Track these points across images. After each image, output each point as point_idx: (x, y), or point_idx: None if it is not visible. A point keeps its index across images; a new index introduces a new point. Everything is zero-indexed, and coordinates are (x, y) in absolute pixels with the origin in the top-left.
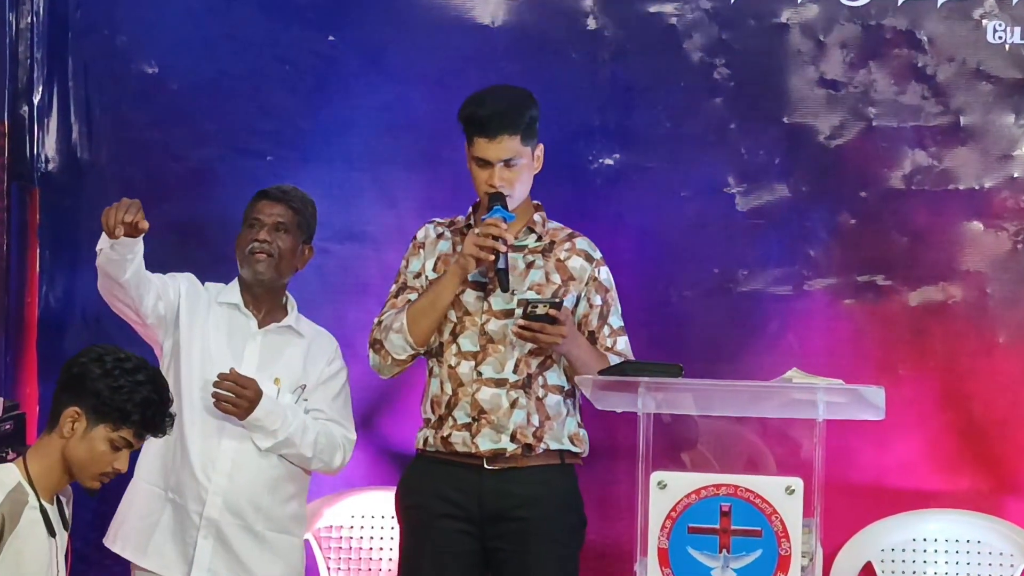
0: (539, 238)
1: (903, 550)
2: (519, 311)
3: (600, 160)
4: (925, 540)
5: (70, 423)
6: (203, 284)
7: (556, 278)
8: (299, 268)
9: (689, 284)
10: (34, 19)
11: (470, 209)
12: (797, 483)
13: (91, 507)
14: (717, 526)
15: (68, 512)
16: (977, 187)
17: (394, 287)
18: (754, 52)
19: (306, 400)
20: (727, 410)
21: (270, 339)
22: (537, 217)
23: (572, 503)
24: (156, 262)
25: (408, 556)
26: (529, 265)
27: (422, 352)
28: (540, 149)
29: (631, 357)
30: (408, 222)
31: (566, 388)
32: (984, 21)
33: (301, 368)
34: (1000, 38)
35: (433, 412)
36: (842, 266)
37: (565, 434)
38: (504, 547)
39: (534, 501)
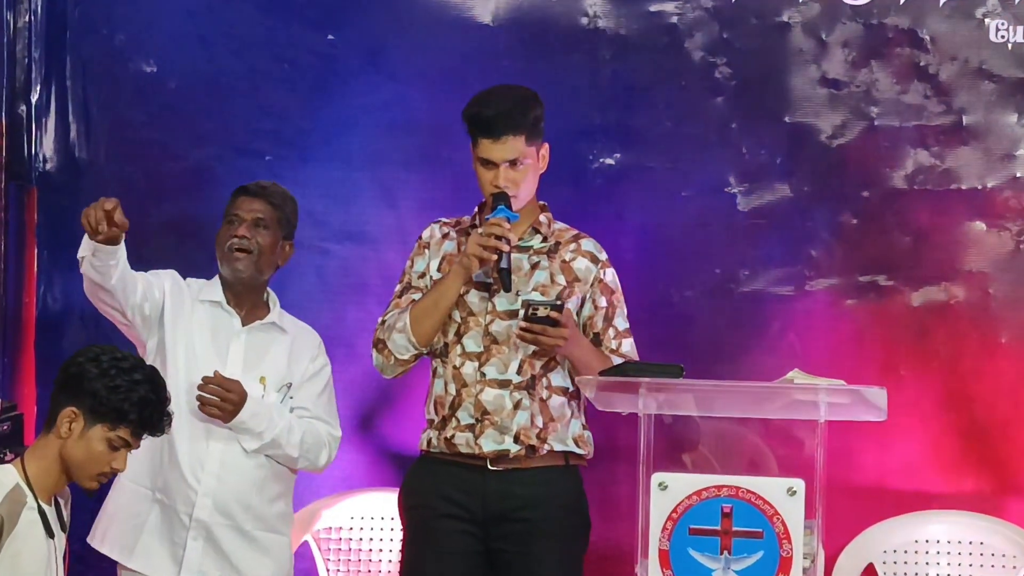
0: (544, 239)
1: (905, 552)
2: (523, 312)
3: (601, 160)
4: (927, 542)
5: (67, 423)
6: (185, 280)
7: (561, 279)
8: (280, 265)
9: (690, 284)
10: (32, 18)
11: (476, 209)
12: (799, 484)
13: (89, 508)
14: (718, 527)
15: (66, 513)
16: (979, 187)
17: (398, 287)
18: (756, 51)
19: (291, 398)
20: (728, 411)
21: (254, 337)
22: (543, 218)
23: (576, 505)
24: (155, 261)
25: (411, 557)
26: (534, 266)
27: (425, 352)
28: (545, 148)
29: (637, 359)
30: (408, 222)
31: (570, 390)
32: (987, 20)
33: (286, 366)
34: (1003, 37)
35: (436, 413)
36: (844, 266)
37: (569, 436)
38: (507, 548)
39: (538, 502)
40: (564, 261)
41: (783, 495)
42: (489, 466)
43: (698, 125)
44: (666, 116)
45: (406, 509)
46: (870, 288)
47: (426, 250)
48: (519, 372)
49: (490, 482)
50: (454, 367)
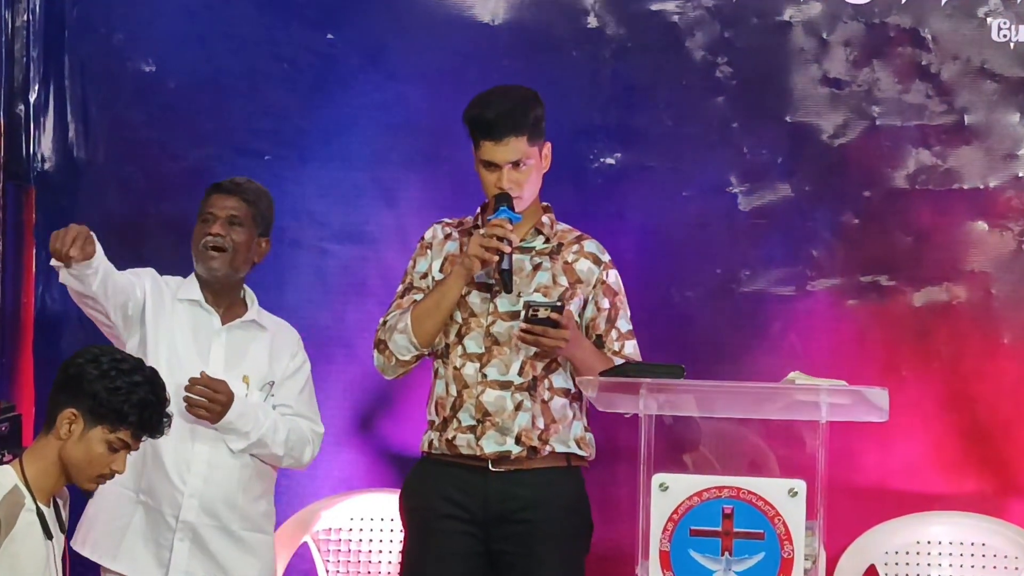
0: (547, 240)
1: (907, 553)
2: (524, 313)
3: (601, 159)
4: (929, 543)
5: (67, 424)
6: (162, 277)
7: (563, 280)
8: (256, 262)
9: (691, 284)
10: (30, 17)
11: (478, 210)
12: (800, 485)
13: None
14: (719, 528)
15: (65, 514)
16: (982, 186)
17: (400, 287)
18: (757, 50)
19: (273, 395)
20: (729, 411)
21: (234, 335)
22: (545, 219)
23: (578, 506)
24: (154, 261)
25: (411, 558)
26: (536, 267)
27: (426, 353)
28: (547, 148)
29: (640, 361)
30: (408, 222)
31: (572, 391)
32: (989, 19)
33: (267, 364)
34: (1005, 36)
35: (438, 414)
36: (845, 266)
37: (571, 437)
38: (509, 550)
39: (539, 504)
40: (566, 262)
41: (784, 496)
42: (490, 467)
43: (699, 125)
44: (667, 116)
45: (407, 510)
46: (871, 288)
47: (428, 250)
48: (520, 373)
49: (491, 483)
50: (455, 368)
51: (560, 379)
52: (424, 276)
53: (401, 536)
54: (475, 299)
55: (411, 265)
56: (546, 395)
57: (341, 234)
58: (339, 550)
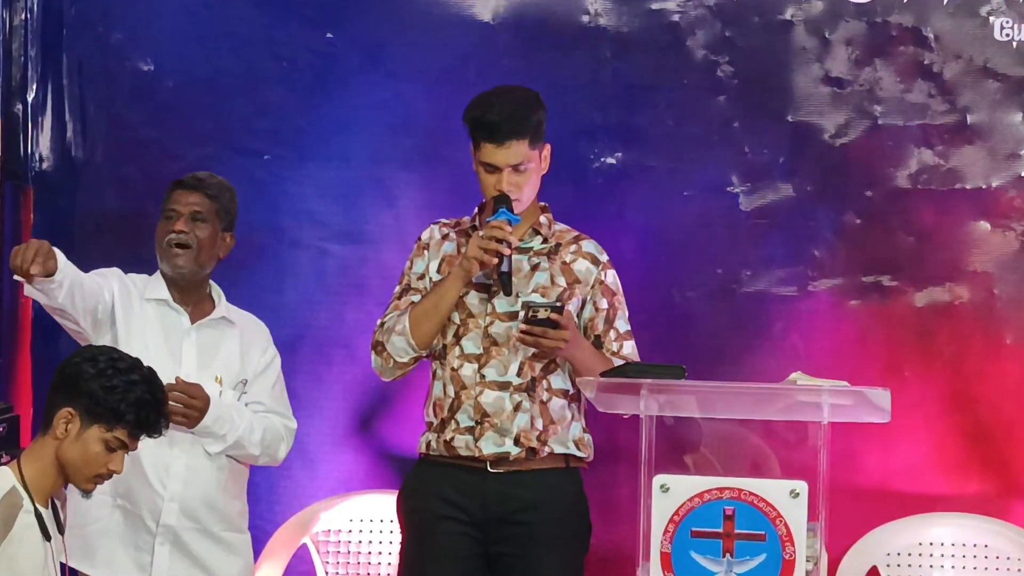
0: (545, 240)
1: (909, 554)
2: (523, 314)
3: (602, 159)
4: (931, 544)
5: (64, 424)
6: (127, 275)
7: (561, 281)
8: (221, 257)
9: (692, 285)
10: (28, 16)
11: (476, 210)
12: (801, 486)
13: None
14: (720, 530)
15: (63, 515)
16: (984, 186)
17: (397, 288)
18: (758, 49)
19: (246, 393)
20: (731, 412)
21: (204, 334)
22: (543, 219)
23: (577, 508)
24: (152, 261)
25: (410, 560)
26: (534, 267)
27: (424, 355)
28: (547, 150)
29: (638, 361)
30: (407, 222)
31: (571, 392)
32: (991, 18)
33: (239, 362)
34: (1007, 35)
35: (436, 415)
36: (847, 266)
37: (570, 438)
38: (507, 551)
39: (538, 505)
40: (565, 263)
41: (786, 497)
42: (489, 468)
43: (700, 124)
44: (668, 115)
45: (405, 512)
46: (873, 288)
47: (425, 251)
48: (519, 374)
49: (490, 485)
50: (453, 369)
51: (559, 380)
52: (421, 277)
53: (400, 537)
54: (473, 300)
55: (408, 266)
56: (545, 396)
57: (340, 234)
58: (338, 551)
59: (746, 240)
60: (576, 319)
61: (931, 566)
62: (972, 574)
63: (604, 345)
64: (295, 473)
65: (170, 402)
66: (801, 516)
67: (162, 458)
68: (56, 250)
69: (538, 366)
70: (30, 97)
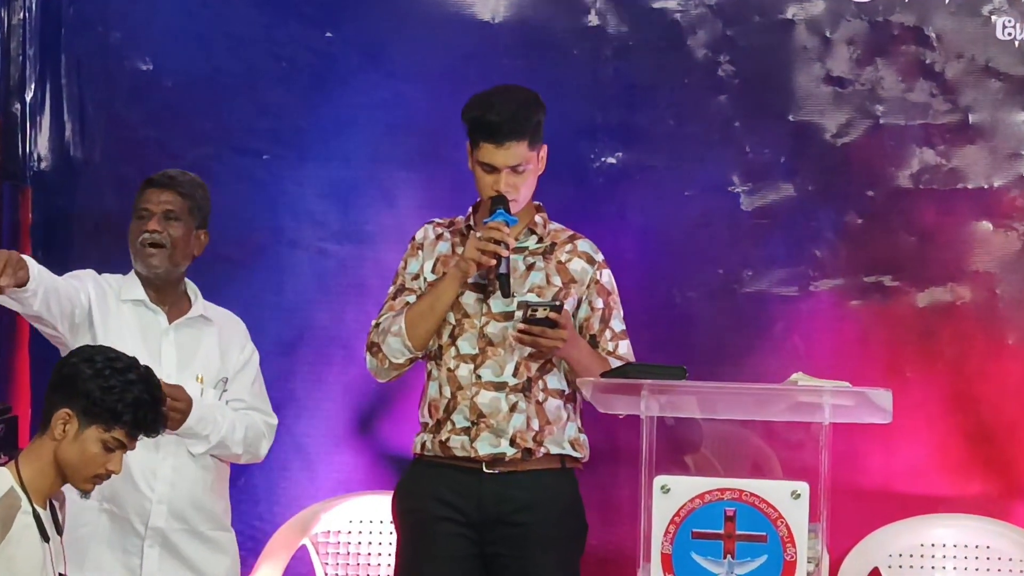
0: (540, 240)
1: (911, 555)
2: (519, 314)
3: (602, 159)
4: (933, 545)
5: (61, 425)
6: (101, 275)
7: (557, 280)
8: (196, 255)
9: (693, 285)
10: (26, 15)
11: (470, 209)
12: (803, 487)
13: None
14: (721, 531)
15: (61, 516)
16: (986, 186)
17: (392, 288)
18: (759, 49)
19: (226, 391)
20: (732, 413)
21: (182, 333)
22: (538, 218)
23: (573, 508)
24: None
25: (406, 561)
26: (529, 267)
27: (420, 356)
28: (544, 150)
29: (633, 361)
30: (407, 222)
31: (566, 392)
32: (993, 17)
33: (219, 360)
34: (1009, 34)
35: (431, 416)
36: (849, 266)
37: (566, 439)
38: (503, 553)
39: (534, 506)
40: (560, 262)
41: (787, 498)
42: (484, 469)
43: (701, 124)
44: (668, 115)
45: (401, 513)
46: (875, 289)
47: (419, 251)
48: (515, 374)
49: (486, 485)
50: (449, 369)
51: (554, 380)
52: (416, 277)
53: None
54: (469, 300)
55: (402, 266)
56: (540, 396)
57: (340, 234)
58: (338, 553)
59: (747, 240)
60: (571, 319)
61: (933, 567)
62: (974, 575)
63: (600, 345)
64: (294, 474)
65: None
66: (802, 517)
67: (148, 461)
68: (28, 259)
69: (534, 366)
70: (28, 97)
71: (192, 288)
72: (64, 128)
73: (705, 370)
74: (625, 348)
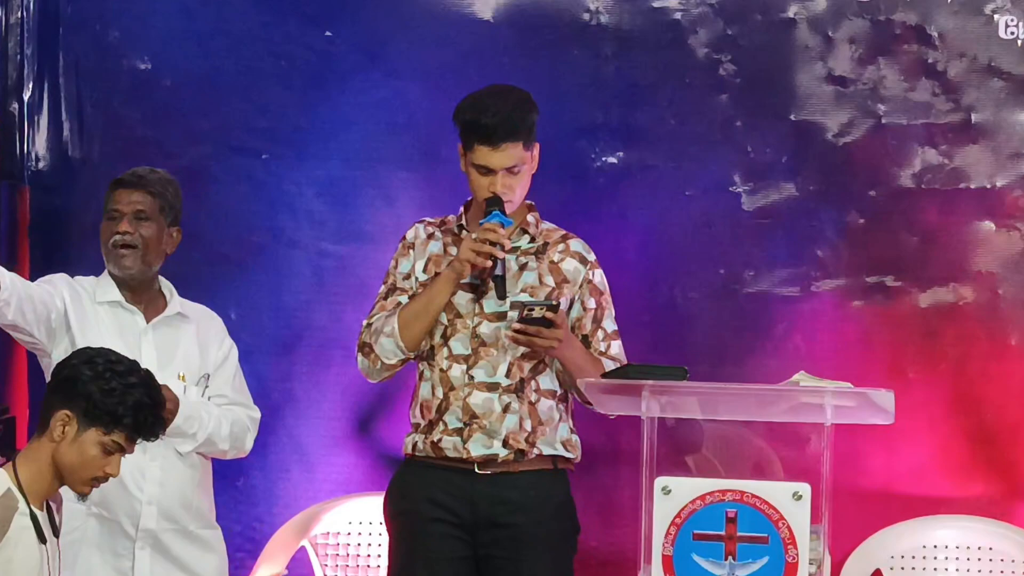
0: (532, 239)
1: (913, 557)
2: (512, 314)
3: (603, 158)
4: (935, 547)
5: (60, 427)
6: (74, 278)
7: (549, 280)
8: (169, 253)
9: (694, 285)
10: (24, 14)
11: (461, 209)
12: (804, 488)
13: None
14: (723, 532)
15: (58, 518)
16: (989, 186)
17: (383, 288)
18: (761, 48)
19: (208, 387)
20: (733, 414)
21: (161, 332)
22: (530, 218)
23: (565, 509)
24: None
25: (400, 563)
26: (522, 267)
27: (413, 357)
28: (537, 149)
29: (625, 361)
30: (406, 221)
31: (559, 393)
32: (996, 16)
33: (199, 357)
34: (1012, 33)
35: (423, 416)
36: (850, 267)
37: (558, 439)
38: (496, 554)
39: (527, 507)
40: (552, 262)
41: (789, 499)
42: (477, 470)
43: (702, 123)
44: (669, 114)
45: (393, 515)
46: (877, 289)
47: (411, 251)
48: (508, 375)
49: (478, 487)
50: (441, 370)
51: (547, 380)
52: (407, 277)
53: (388, 541)
54: (461, 300)
55: (393, 265)
56: (533, 397)
57: (339, 234)
58: (337, 554)
59: (748, 240)
60: (566, 318)
61: (935, 569)
62: None
63: (592, 345)
64: (293, 475)
65: None
66: (804, 518)
67: (137, 463)
68: None
69: (527, 367)
70: (26, 96)
71: (167, 286)
72: (62, 127)
73: (706, 370)
74: (617, 348)
